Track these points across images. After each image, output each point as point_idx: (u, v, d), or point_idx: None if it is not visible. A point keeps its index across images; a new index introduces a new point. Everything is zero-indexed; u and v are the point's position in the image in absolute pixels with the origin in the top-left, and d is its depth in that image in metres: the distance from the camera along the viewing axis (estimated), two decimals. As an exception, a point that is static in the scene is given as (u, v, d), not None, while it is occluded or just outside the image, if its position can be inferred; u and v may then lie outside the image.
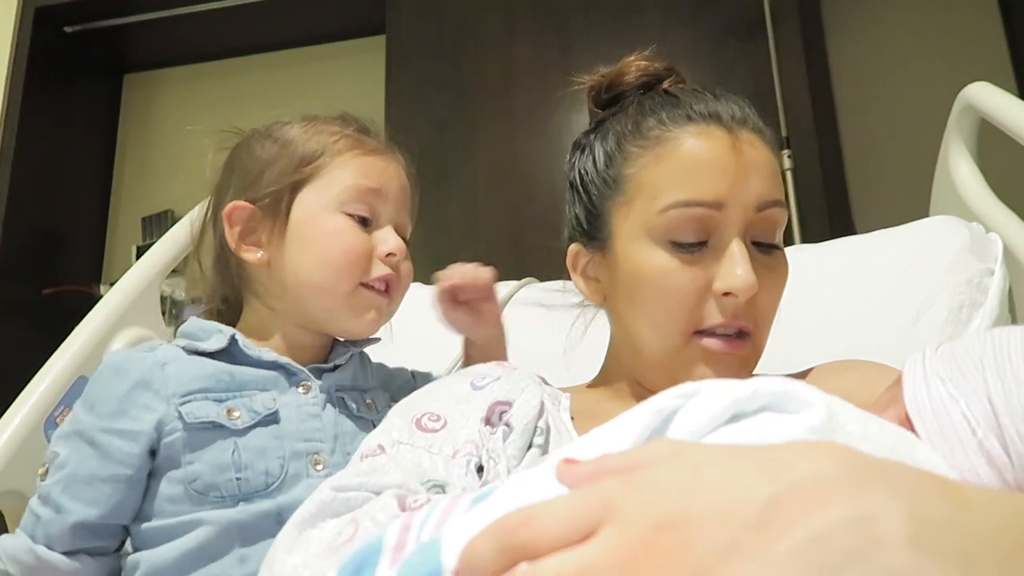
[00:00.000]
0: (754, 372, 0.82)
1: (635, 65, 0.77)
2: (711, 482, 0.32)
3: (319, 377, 0.77)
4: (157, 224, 2.45)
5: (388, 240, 0.76)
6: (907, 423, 0.47)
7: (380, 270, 0.76)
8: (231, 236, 0.76)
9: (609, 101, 0.78)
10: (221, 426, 0.68)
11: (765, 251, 0.69)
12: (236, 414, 0.69)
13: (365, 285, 0.75)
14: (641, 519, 0.31)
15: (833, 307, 1.03)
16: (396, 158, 0.81)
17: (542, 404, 0.64)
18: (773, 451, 0.33)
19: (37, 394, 0.89)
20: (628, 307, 0.72)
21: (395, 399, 0.77)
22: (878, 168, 2.02)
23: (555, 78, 2.20)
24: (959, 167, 1.14)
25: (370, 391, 0.81)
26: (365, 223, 0.76)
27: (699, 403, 0.41)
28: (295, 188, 0.76)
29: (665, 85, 0.76)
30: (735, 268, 0.65)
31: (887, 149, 2.03)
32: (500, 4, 2.16)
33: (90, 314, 0.98)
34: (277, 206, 0.76)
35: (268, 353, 0.74)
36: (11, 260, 2.24)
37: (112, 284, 1.06)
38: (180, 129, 2.56)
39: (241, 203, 0.76)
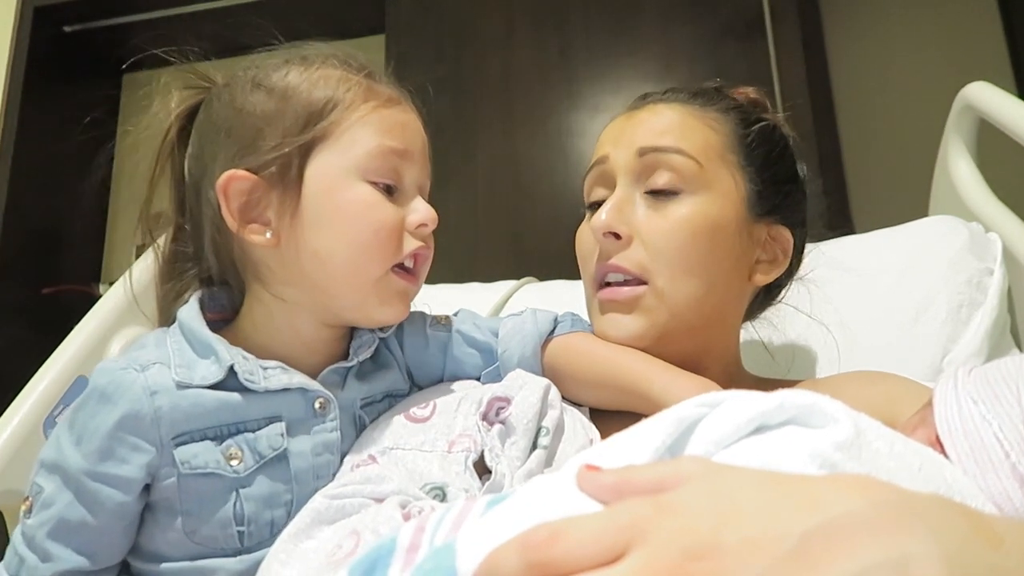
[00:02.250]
0: (758, 372, 0.83)
1: None
2: (744, 513, 0.31)
3: (342, 383, 0.67)
4: (157, 223, 2.45)
5: (420, 209, 0.66)
6: (937, 445, 0.46)
7: (411, 244, 0.66)
8: (230, 213, 0.63)
9: None
10: (220, 475, 0.60)
11: (656, 198, 0.72)
12: (237, 459, 0.60)
13: (393, 268, 0.65)
14: (671, 545, 0.30)
15: (832, 307, 1.03)
16: (412, 107, 0.70)
17: (543, 402, 0.63)
18: (807, 484, 0.33)
19: (37, 393, 0.89)
20: None
21: (412, 364, 0.73)
22: (877, 168, 2.02)
23: (554, 78, 2.21)
24: (958, 167, 1.14)
25: (400, 397, 0.72)
26: (390, 191, 0.65)
27: (723, 413, 0.40)
28: (305, 152, 0.63)
29: None
30: (600, 210, 0.72)
31: (886, 149, 2.03)
32: (500, 4, 2.16)
33: (89, 314, 0.98)
34: (285, 175, 0.63)
35: (275, 376, 0.63)
36: (11, 260, 2.24)
37: (111, 284, 1.06)
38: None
39: (239, 172, 0.63)
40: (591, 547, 0.31)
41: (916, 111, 1.90)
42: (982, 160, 1.14)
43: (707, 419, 0.41)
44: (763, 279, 0.77)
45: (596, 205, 0.76)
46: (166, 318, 0.70)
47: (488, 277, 1.28)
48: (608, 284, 0.72)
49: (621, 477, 0.36)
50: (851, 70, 2.12)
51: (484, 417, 0.62)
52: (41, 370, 0.91)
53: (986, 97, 1.06)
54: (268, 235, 0.64)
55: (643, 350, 0.70)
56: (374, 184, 0.64)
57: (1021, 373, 0.46)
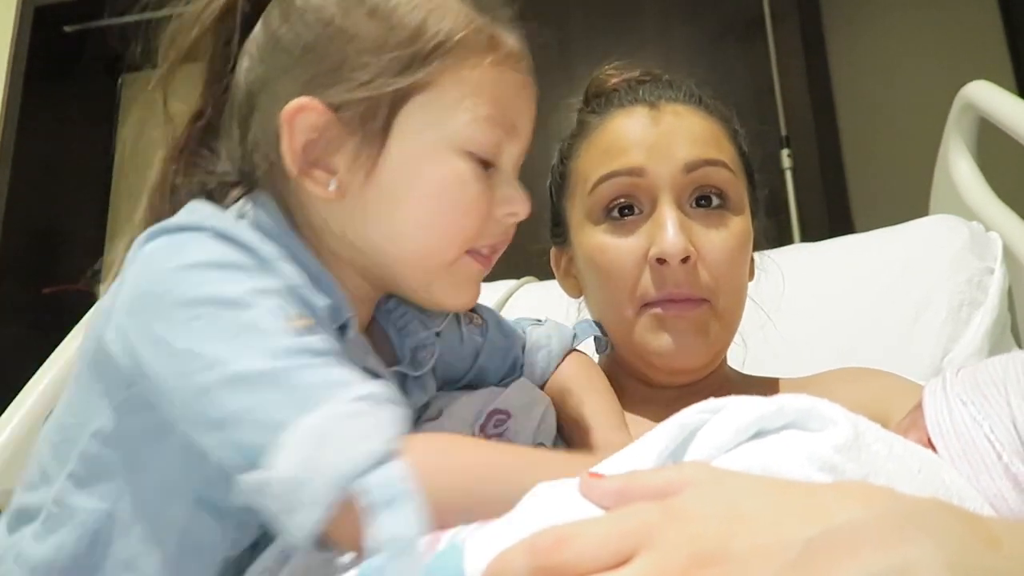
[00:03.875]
0: (750, 371, 0.83)
1: (614, 69, 0.79)
2: (750, 520, 0.31)
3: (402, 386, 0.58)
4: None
5: (514, 199, 0.56)
6: (930, 448, 0.46)
7: (493, 235, 0.56)
8: (291, 150, 0.51)
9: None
10: None
11: (708, 212, 0.69)
12: None
13: (471, 251, 0.56)
14: (679, 551, 0.31)
15: (832, 306, 1.03)
16: (530, 69, 0.59)
17: (543, 419, 0.62)
18: (810, 492, 0.33)
19: (36, 394, 0.89)
20: (589, 294, 0.76)
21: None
22: (877, 167, 2.02)
23: (555, 78, 2.20)
24: (959, 166, 1.14)
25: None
26: (485, 167, 0.54)
27: (723, 419, 0.40)
28: (400, 99, 0.51)
29: None
30: (663, 232, 0.66)
31: (887, 148, 2.03)
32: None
33: (89, 313, 0.98)
34: (368, 121, 0.51)
35: (371, 360, 0.54)
36: (10, 260, 2.24)
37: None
38: (179, 128, 2.56)
39: (315, 104, 0.51)
40: (598, 551, 0.31)
41: (916, 111, 1.90)
42: (982, 159, 1.14)
43: (708, 425, 0.41)
44: (751, 278, 0.77)
45: (619, 213, 0.70)
46: (162, 205, 0.57)
47: (488, 276, 1.27)
48: (661, 301, 0.68)
49: (625, 483, 0.36)
50: (851, 70, 2.12)
51: (482, 429, 0.61)
52: (41, 370, 0.91)
53: (986, 96, 1.06)
54: (332, 187, 0.52)
55: (694, 369, 0.69)
56: (471, 156, 0.53)
57: (1008, 373, 0.47)
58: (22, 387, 0.90)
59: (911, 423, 0.50)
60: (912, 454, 0.42)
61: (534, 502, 0.39)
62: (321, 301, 0.50)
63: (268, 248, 0.49)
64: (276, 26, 0.54)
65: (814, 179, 1.89)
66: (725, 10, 2.00)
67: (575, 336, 0.73)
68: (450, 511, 0.39)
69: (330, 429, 0.41)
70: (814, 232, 1.74)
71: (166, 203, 0.56)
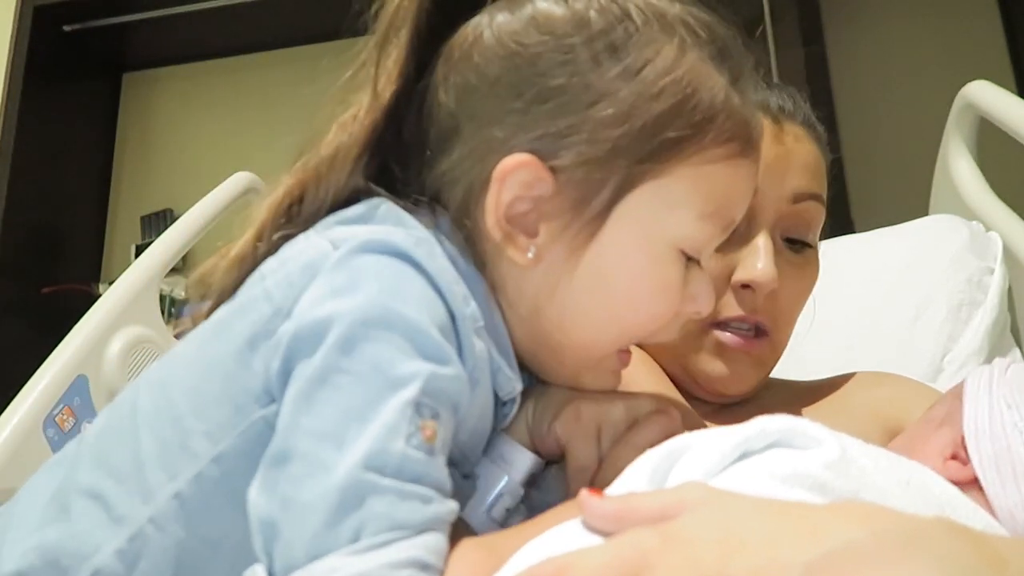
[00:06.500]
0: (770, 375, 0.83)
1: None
2: (749, 543, 0.31)
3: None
4: (156, 223, 2.45)
5: (704, 298, 0.49)
6: (961, 446, 0.45)
7: (668, 333, 0.49)
8: (495, 209, 0.45)
9: None
10: None
11: (795, 248, 0.67)
12: None
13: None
14: None
15: (832, 306, 1.03)
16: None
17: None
18: (809, 513, 0.33)
19: (36, 393, 0.89)
20: None
21: None
22: (877, 167, 2.02)
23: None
24: (959, 166, 1.14)
25: None
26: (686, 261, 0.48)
27: (707, 444, 0.40)
28: (627, 184, 0.44)
29: None
30: (757, 260, 0.63)
31: (886, 148, 2.03)
32: (499, 3, 2.15)
33: (89, 313, 0.98)
34: (587, 200, 0.45)
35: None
36: (10, 259, 2.23)
37: (111, 283, 1.06)
38: (179, 128, 2.56)
39: (536, 164, 0.44)
40: None
41: (917, 110, 1.90)
42: (982, 159, 1.14)
43: (692, 450, 0.40)
44: None
45: None
46: (337, 177, 0.49)
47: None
48: (725, 325, 0.66)
49: (623, 505, 0.36)
50: (851, 70, 2.12)
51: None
52: (40, 369, 0.91)
53: (986, 96, 1.06)
54: (530, 254, 0.46)
55: (739, 396, 0.69)
56: (681, 254, 0.47)
57: None
58: (21, 386, 0.90)
59: (947, 416, 0.49)
60: (898, 466, 0.41)
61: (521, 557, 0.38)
62: (516, 385, 0.47)
63: (471, 311, 0.44)
64: (503, 54, 0.46)
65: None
66: (725, 10, 2.00)
67: None
68: None
69: None
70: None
71: (341, 179, 0.48)
